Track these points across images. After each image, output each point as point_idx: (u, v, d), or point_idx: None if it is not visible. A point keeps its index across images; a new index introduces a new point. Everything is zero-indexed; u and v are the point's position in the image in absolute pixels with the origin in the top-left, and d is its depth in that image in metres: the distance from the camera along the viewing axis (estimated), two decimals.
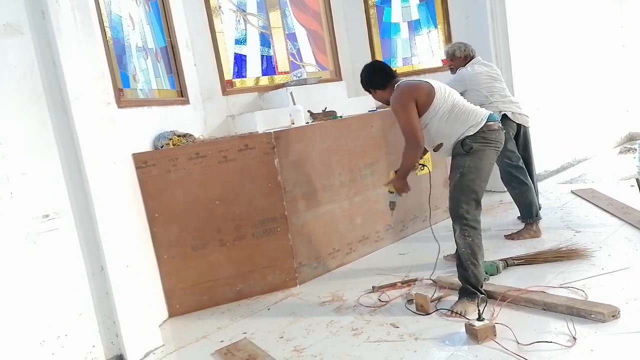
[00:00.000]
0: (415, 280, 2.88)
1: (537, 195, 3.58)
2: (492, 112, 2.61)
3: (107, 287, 2.36)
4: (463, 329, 2.18)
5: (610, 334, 2.01)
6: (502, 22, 4.65)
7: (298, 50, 4.67)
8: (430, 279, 2.81)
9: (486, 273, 2.72)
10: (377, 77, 2.68)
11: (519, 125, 3.54)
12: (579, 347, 1.94)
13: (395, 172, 2.71)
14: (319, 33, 4.82)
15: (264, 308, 2.88)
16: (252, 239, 3.05)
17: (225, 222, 2.99)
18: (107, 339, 2.39)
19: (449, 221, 2.57)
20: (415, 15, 5.05)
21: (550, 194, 4.47)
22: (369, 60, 4.94)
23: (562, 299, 2.30)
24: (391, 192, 2.74)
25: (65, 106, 2.23)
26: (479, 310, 2.16)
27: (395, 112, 2.55)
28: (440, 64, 4.92)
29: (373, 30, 5.02)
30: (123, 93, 2.93)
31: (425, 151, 2.77)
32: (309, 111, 3.72)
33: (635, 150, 5.02)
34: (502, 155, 3.46)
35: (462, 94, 3.60)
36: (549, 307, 2.27)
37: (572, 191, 4.47)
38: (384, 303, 2.65)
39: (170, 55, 3.63)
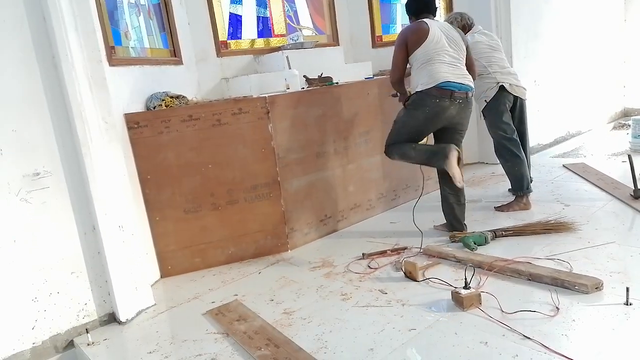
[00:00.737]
0: (405, 248, 2.92)
1: (529, 168, 3.60)
2: (451, 81, 2.76)
3: (99, 246, 2.37)
4: (449, 296, 2.23)
5: (593, 305, 2.07)
6: None
7: (295, 12, 4.56)
8: (419, 248, 2.86)
9: (474, 243, 2.78)
10: (411, 4, 2.95)
11: (515, 98, 3.52)
12: (562, 317, 1.99)
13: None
14: None
15: (255, 271, 2.91)
16: (244, 203, 3.05)
17: (218, 186, 2.99)
18: (99, 297, 2.42)
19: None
20: None
21: (542, 168, 4.50)
22: (367, 25, 4.87)
23: (547, 270, 2.35)
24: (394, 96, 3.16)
25: (56, 62, 2.18)
26: (465, 278, 2.21)
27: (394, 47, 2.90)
28: None
29: None
30: (115, 51, 2.85)
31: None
32: (304, 76, 3.66)
33: (629, 126, 5.04)
34: (497, 127, 3.47)
35: None
36: (535, 278, 2.32)
37: (563, 165, 4.50)
38: (373, 270, 2.69)
39: (164, 13, 3.53)
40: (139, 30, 3.24)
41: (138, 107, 2.98)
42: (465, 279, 2.21)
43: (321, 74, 3.70)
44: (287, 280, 2.72)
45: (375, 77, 3.96)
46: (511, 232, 2.93)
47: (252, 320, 2.28)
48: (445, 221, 3.12)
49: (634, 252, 2.53)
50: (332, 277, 2.69)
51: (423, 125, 2.83)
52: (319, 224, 3.36)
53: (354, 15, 4.89)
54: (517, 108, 3.57)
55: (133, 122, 2.80)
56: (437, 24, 2.87)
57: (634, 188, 3.33)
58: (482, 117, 3.62)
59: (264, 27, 4.38)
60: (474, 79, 2.96)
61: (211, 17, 3.97)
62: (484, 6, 4.55)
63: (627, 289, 2.04)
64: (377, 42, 4.90)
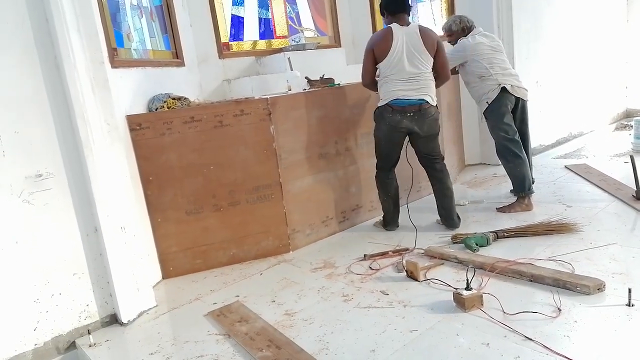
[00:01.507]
0: (407, 249, 2.91)
1: (531, 169, 3.59)
2: (400, 98, 3.01)
3: (101, 247, 2.37)
4: (451, 298, 2.23)
5: (595, 306, 2.06)
6: None
7: (297, 14, 4.57)
8: (421, 249, 2.86)
9: (476, 244, 2.77)
10: (386, 3, 3.12)
11: (517, 99, 3.51)
12: (564, 318, 1.99)
13: None
14: None
15: (257, 273, 2.92)
16: (246, 204, 3.06)
17: (219, 187, 3.00)
18: (101, 298, 2.42)
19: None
20: None
21: (544, 169, 4.49)
22: (369, 26, 4.88)
23: (549, 271, 2.34)
24: None
25: (58, 63, 2.18)
26: (467, 279, 2.20)
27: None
28: (441, 33, 4.83)
29: None
30: (117, 52, 2.86)
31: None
32: (306, 77, 3.67)
33: (632, 126, 5.03)
34: (499, 128, 3.47)
35: (462, 64, 3.58)
36: (536, 279, 2.32)
37: (566, 166, 4.49)
38: (375, 271, 2.69)
39: (166, 15, 3.54)
40: (141, 32, 3.25)
41: (140, 108, 2.99)
42: (467, 279, 2.21)
43: (323, 76, 3.70)
44: (289, 282, 2.72)
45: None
46: (513, 233, 2.93)
47: (254, 322, 2.28)
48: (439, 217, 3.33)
49: (636, 253, 2.52)
50: (334, 278, 2.69)
51: (388, 135, 3.13)
52: (321, 225, 3.36)
53: (355, 16, 4.90)
54: (519, 109, 3.56)
55: (135, 123, 2.80)
56: (403, 31, 3.00)
57: (636, 189, 3.32)
58: (484, 119, 3.62)
59: (266, 29, 4.40)
60: (442, 83, 3.21)
61: (213, 19, 3.99)
62: (485, 7, 4.55)
63: (630, 290, 2.03)
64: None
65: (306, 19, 4.64)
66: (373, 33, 4.83)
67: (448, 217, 3.21)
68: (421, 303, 2.27)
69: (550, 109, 5.22)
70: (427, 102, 3.05)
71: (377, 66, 3.08)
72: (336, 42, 4.76)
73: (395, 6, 3.06)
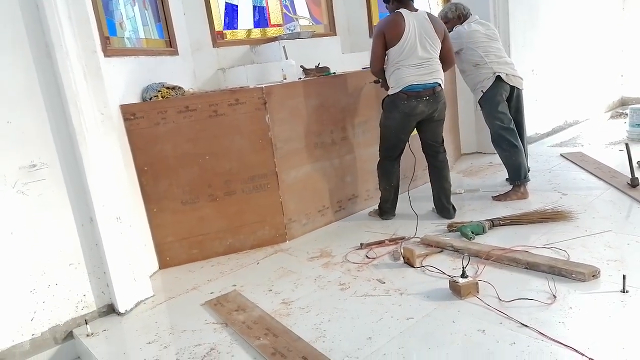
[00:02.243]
0: (403, 238, 2.92)
1: (526, 157, 3.60)
2: (415, 83, 2.97)
3: (97, 238, 2.36)
4: (447, 285, 2.24)
5: (590, 292, 2.08)
6: None
7: (292, 2, 4.52)
8: (417, 238, 2.87)
9: (472, 232, 2.79)
10: None
11: (512, 87, 3.51)
12: (559, 305, 2.00)
13: None
14: None
15: (254, 262, 2.92)
16: (242, 194, 3.05)
17: (215, 177, 2.98)
18: (98, 288, 2.42)
19: None
20: None
21: (539, 157, 4.50)
22: (364, 15, 4.84)
23: (544, 258, 2.36)
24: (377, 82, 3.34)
25: (50, 51, 2.15)
26: (463, 267, 2.21)
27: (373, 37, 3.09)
28: None
29: None
30: (110, 41, 2.83)
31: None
32: (301, 66, 3.64)
33: (627, 115, 5.04)
34: (494, 116, 3.47)
35: (457, 52, 3.57)
36: (532, 266, 2.33)
37: (561, 154, 4.50)
38: (371, 259, 2.70)
39: (159, 3, 3.49)
40: (134, 21, 3.21)
41: (134, 98, 2.96)
42: (463, 267, 2.22)
43: (318, 64, 3.68)
44: (286, 271, 2.72)
45: None
46: (509, 221, 2.94)
47: (251, 310, 2.28)
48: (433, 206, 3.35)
49: (630, 240, 2.54)
50: (331, 267, 2.69)
51: (401, 123, 3.09)
52: (317, 214, 3.36)
53: (350, 5, 4.86)
54: (514, 98, 3.56)
55: (129, 113, 2.78)
56: (413, 16, 2.96)
57: (630, 177, 3.34)
58: (479, 107, 3.61)
59: (260, 17, 4.35)
60: (448, 67, 3.18)
61: (207, 7, 3.94)
62: None
63: (624, 277, 2.05)
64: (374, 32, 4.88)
65: (301, 7, 4.60)
66: (368, 22, 4.84)
67: (444, 208, 3.22)
68: (417, 291, 2.28)
69: (546, 98, 5.22)
70: (440, 85, 3.06)
71: (386, 52, 3.02)
72: (331, 30, 4.73)
73: None
